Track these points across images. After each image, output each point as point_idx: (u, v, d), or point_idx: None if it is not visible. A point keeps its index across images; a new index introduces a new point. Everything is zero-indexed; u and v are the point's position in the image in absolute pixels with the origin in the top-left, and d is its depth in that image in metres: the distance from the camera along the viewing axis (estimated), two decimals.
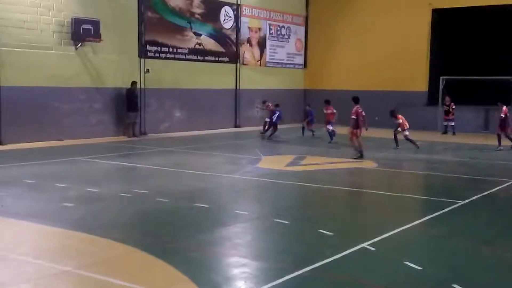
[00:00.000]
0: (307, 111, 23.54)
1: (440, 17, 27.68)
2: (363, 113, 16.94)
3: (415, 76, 27.68)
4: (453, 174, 14.39)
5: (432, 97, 27.33)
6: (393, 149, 18.97)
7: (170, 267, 6.69)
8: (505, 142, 19.49)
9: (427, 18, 27.46)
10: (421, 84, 27.72)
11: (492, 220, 9.61)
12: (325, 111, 21.67)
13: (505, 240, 8.30)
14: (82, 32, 19.69)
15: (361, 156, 16.60)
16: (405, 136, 19.03)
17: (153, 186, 11.77)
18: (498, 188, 12.43)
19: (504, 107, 19.61)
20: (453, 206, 10.28)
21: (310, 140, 21.77)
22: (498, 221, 9.55)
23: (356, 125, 16.80)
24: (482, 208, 10.65)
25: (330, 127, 21.13)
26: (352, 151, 17.28)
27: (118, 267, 6.79)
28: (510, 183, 13.03)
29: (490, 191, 12.04)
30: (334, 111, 21.45)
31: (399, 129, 19.27)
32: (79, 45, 19.96)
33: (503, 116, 19.35)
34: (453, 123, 25.29)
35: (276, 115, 21.85)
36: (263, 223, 9.17)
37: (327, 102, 21.86)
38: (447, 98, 25.41)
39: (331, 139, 20.89)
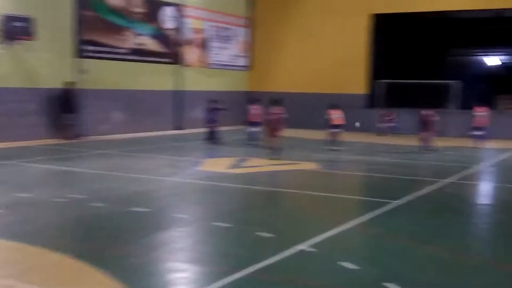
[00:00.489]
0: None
1: (378, 22, 28.31)
2: (283, 115, 17.03)
3: (354, 79, 28.21)
4: (390, 175, 14.70)
5: (370, 100, 27.89)
6: (332, 150, 19.20)
7: (105, 275, 6.53)
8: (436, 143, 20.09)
9: (366, 23, 28.01)
10: (360, 87, 28.25)
11: (427, 220, 9.86)
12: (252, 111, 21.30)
13: (439, 239, 8.51)
14: (14, 29, 19.04)
15: (277, 156, 16.64)
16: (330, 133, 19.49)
17: (89, 191, 11.49)
18: (432, 188, 12.77)
19: (426, 111, 19.92)
20: (390, 206, 10.51)
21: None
22: (432, 220, 9.80)
23: (273, 127, 16.84)
24: (418, 207, 10.91)
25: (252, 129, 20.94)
26: (297, 153, 17.42)
27: (49, 275, 6.57)
28: (444, 183, 13.42)
29: (425, 190, 12.37)
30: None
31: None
32: (6, 43, 19.19)
33: (425, 119, 19.74)
34: (392, 124, 25.88)
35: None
36: (203, 226, 9.11)
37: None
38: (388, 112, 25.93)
39: (251, 140, 20.67)
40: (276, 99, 17.84)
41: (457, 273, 6.96)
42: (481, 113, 21.64)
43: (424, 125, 19.68)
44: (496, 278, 6.81)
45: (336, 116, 19.76)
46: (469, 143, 21.49)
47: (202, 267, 7.04)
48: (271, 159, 16.50)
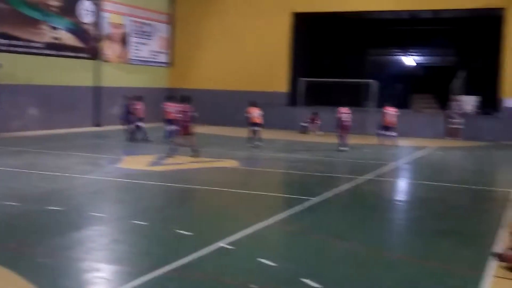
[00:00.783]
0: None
1: (300, 21, 28.69)
2: (191, 113, 16.74)
3: (276, 77, 28.47)
4: (309, 172, 14.92)
5: (292, 98, 28.26)
6: (252, 147, 19.33)
7: (14, 275, 6.26)
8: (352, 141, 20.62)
9: (288, 21, 28.32)
10: (282, 85, 28.54)
11: (343, 216, 10.07)
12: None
13: (354, 235, 8.72)
14: None
15: (195, 154, 16.54)
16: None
17: (1, 189, 11.04)
18: (349, 184, 13.07)
19: (341, 109, 20.41)
20: (308, 203, 10.65)
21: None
22: (349, 216, 10.03)
23: (183, 125, 16.63)
24: (335, 204, 11.14)
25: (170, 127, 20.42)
26: (218, 150, 17.35)
27: None
28: (361, 180, 13.77)
29: (343, 187, 12.64)
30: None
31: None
32: None
33: (339, 117, 20.20)
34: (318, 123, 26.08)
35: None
36: (121, 225, 8.91)
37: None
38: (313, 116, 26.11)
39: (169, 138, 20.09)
40: (184, 96, 17.63)
41: (372, 268, 7.13)
42: (391, 112, 22.27)
43: (341, 123, 20.09)
44: (410, 273, 7.03)
45: (256, 114, 19.90)
46: (386, 141, 22.14)
47: (119, 266, 6.88)
48: (191, 156, 16.37)
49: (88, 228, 8.58)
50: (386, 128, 22.11)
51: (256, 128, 19.79)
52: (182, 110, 16.80)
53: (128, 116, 20.62)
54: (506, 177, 15.35)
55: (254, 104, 20.23)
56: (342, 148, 19.41)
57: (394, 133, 22.05)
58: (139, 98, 21.01)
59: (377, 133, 22.67)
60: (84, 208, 10.01)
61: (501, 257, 7.27)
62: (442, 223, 9.67)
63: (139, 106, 20.78)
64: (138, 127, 20.45)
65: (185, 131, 16.66)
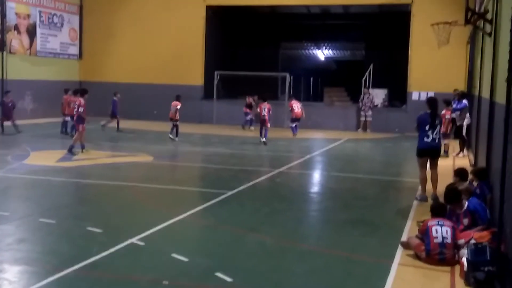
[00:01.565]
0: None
1: (214, 13, 28.60)
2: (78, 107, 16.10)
3: (192, 70, 28.25)
4: (224, 165, 14.96)
5: (207, 91, 28.17)
6: (170, 139, 19.23)
7: None
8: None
9: (202, 14, 28.16)
10: (197, 78, 28.39)
11: (257, 209, 10.16)
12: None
13: (267, 227, 8.82)
14: None
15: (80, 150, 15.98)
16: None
17: None
18: (263, 177, 13.21)
19: (262, 104, 20.66)
20: (222, 197, 10.67)
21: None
22: (262, 209, 10.13)
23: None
24: (248, 197, 11.21)
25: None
26: (132, 144, 17.01)
27: None
28: (273, 172, 13.94)
29: (257, 180, 12.76)
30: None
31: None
32: None
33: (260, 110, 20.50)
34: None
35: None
36: (27, 223, 8.59)
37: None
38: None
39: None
40: (76, 90, 17.31)
41: (283, 259, 7.24)
42: (297, 105, 22.63)
43: (261, 117, 20.38)
44: (319, 263, 7.20)
45: (172, 109, 19.80)
46: (303, 133, 22.52)
47: (25, 266, 6.63)
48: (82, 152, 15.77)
49: None
50: (294, 120, 22.47)
51: (173, 123, 19.73)
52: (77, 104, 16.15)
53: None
54: (413, 167, 15.94)
55: (176, 98, 20.16)
56: (263, 140, 19.57)
57: (297, 124, 22.45)
58: (67, 91, 20.24)
59: (290, 127, 22.98)
60: None
61: (406, 245, 7.58)
62: (351, 213, 9.96)
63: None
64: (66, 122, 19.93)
65: (77, 126, 16.06)
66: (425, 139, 10.66)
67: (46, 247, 7.42)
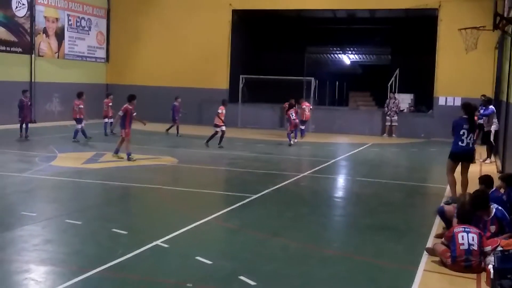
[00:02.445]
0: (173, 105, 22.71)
1: (240, 17, 28.70)
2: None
3: (217, 74, 28.37)
4: (249, 169, 14.97)
5: (232, 95, 28.24)
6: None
7: None
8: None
9: (228, 18, 28.28)
10: (223, 81, 28.49)
11: (280, 213, 10.15)
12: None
13: (290, 231, 8.80)
14: None
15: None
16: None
17: None
18: (287, 181, 13.18)
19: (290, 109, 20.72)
20: (246, 200, 10.69)
21: (110, 137, 21.19)
22: (286, 213, 10.11)
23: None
24: (272, 201, 11.20)
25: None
26: (157, 147, 17.10)
27: None
28: (298, 176, 13.92)
29: (281, 184, 12.73)
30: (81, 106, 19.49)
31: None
32: None
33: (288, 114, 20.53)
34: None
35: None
36: (54, 224, 8.70)
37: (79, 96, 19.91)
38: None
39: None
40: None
41: (306, 264, 7.22)
42: (307, 107, 22.42)
43: (290, 121, 20.39)
44: (343, 268, 7.16)
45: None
46: (328, 137, 22.41)
47: (51, 267, 6.71)
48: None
49: (20, 228, 8.32)
50: (303, 122, 22.23)
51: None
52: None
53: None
54: (438, 173, 15.76)
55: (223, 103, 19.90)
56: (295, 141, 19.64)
57: (303, 127, 22.26)
58: (80, 95, 20.17)
59: (300, 129, 22.47)
60: (15, 208, 9.71)
61: (432, 251, 7.50)
62: (376, 219, 9.89)
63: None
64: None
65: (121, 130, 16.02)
66: (460, 143, 10.62)
67: (72, 248, 7.50)
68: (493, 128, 17.10)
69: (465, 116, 10.69)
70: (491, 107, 17.48)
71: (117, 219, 9.16)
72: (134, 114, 15.66)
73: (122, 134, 15.60)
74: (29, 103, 20.58)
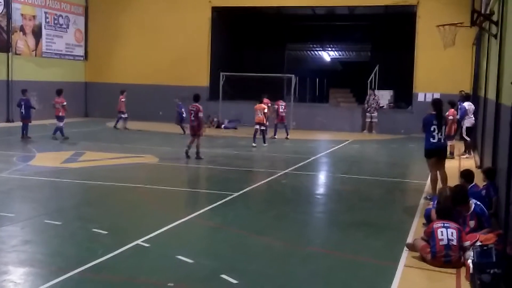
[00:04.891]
0: (177, 104, 22.60)
1: (220, 15, 28.61)
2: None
3: (197, 71, 28.26)
4: (230, 167, 14.94)
5: (213, 92, 28.17)
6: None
7: None
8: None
9: (208, 15, 28.18)
10: (203, 79, 28.39)
11: (262, 210, 10.15)
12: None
13: (272, 229, 8.80)
14: None
15: None
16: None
17: None
18: (269, 179, 13.19)
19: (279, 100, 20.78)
20: (228, 198, 10.67)
21: (89, 136, 21.02)
22: (267, 211, 10.12)
23: None
24: (254, 199, 11.21)
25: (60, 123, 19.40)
26: (138, 145, 16.99)
27: None
28: (279, 174, 13.92)
29: (262, 182, 12.75)
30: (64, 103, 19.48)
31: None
32: None
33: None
34: None
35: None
36: (33, 225, 8.60)
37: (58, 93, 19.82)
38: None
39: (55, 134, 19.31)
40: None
41: (288, 261, 7.23)
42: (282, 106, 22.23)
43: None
44: (324, 265, 7.18)
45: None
46: (308, 134, 22.44)
47: (30, 268, 6.64)
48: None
49: None
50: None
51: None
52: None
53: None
54: (418, 169, 15.91)
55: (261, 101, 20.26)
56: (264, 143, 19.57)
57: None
58: (60, 93, 19.87)
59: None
60: None
61: (412, 247, 7.55)
62: (356, 215, 9.94)
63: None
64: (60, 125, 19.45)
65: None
66: (431, 139, 10.76)
67: (52, 249, 7.43)
68: (466, 123, 17.25)
69: (433, 113, 10.83)
70: (465, 104, 17.58)
71: (97, 219, 9.08)
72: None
73: (200, 133, 15.85)
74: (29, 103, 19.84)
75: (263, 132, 19.73)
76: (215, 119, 26.18)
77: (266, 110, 19.91)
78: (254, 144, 19.02)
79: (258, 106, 20.00)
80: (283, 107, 22.12)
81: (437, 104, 11.01)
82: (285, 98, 26.46)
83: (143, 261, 6.97)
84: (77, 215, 9.34)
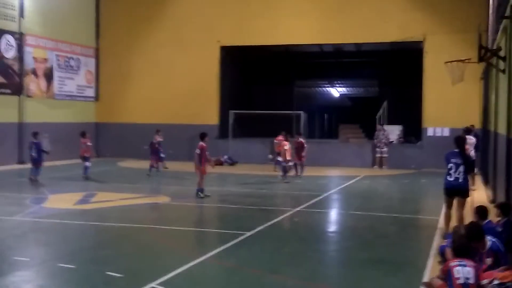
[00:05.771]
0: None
1: (228, 54, 28.95)
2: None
3: (207, 110, 28.47)
4: (241, 205, 14.92)
5: (222, 130, 28.33)
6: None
7: None
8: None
9: (217, 54, 28.52)
10: (213, 117, 28.57)
11: (277, 249, 10.09)
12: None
13: (287, 268, 8.74)
14: None
15: None
16: None
17: None
18: (281, 217, 13.16)
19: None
20: (241, 238, 10.63)
21: (101, 176, 21.10)
22: (282, 249, 10.06)
23: None
24: (268, 237, 11.14)
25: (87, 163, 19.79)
26: (149, 185, 17.01)
27: None
28: (292, 211, 13.88)
29: (275, 220, 12.69)
30: (89, 144, 20.17)
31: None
32: None
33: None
34: None
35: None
36: (47, 269, 8.59)
37: (83, 135, 20.28)
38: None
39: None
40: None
41: None
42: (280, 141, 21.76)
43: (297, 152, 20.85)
44: None
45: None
46: (319, 170, 22.43)
47: None
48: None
49: (11, 274, 8.20)
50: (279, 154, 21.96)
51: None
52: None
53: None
54: (431, 204, 15.84)
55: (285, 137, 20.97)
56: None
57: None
58: (84, 134, 20.26)
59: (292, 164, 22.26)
60: (7, 253, 9.57)
61: (429, 286, 7.46)
62: (372, 253, 9.86)
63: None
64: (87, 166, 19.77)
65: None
66: (448, 178, 10.61)
67: None
68: None
69: (456, 150, 10.70)
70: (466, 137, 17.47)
71: (111, 261, 9.06)
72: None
73: (199, 171, 15.70)
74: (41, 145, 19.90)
75: (285, 168, 20.12)
76: (225, 157, 26.21)
77: (286, 147, 20.05)
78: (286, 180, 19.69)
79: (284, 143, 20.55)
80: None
81: (458, 140, 10.82)
82: (295, 135, 26.60)
83: None
84: (91, 258, 9.31)
